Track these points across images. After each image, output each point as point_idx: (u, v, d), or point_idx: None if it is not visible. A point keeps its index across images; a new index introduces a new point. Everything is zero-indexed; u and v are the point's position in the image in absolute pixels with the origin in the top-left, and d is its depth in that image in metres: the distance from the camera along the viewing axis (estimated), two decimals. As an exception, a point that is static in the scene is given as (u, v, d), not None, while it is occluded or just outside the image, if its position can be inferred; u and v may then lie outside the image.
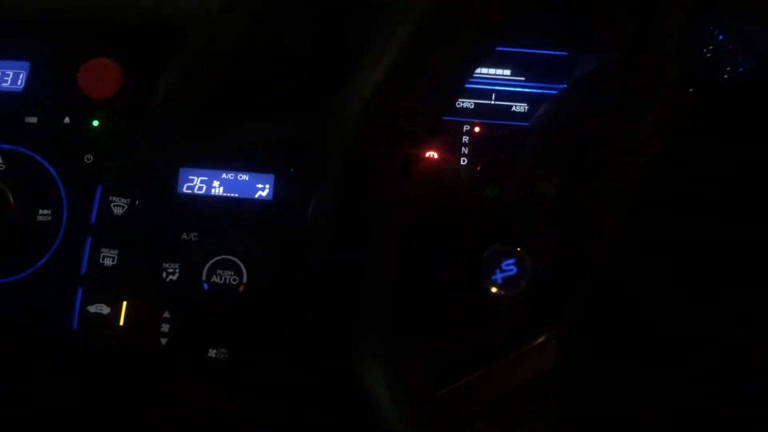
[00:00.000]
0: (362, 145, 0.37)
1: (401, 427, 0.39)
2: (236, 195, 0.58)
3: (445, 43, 0.35)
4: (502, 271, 0.40)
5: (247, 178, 0.58)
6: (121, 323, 0.55)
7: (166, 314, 0.56)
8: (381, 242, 0.39)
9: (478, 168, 0.54)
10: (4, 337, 0.56)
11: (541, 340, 0.40)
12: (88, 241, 0.56)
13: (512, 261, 0.41)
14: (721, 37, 0.62)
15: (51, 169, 0.58)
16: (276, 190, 0.58)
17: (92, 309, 0.55)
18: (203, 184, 0.58)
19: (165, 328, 0.55)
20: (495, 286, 0.41)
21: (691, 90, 0.57)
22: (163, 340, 0.55)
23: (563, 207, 0.41)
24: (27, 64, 0.59)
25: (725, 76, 0.60)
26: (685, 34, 0.48)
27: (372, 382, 0.41)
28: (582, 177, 0.42)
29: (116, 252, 0.56)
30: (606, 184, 0.41)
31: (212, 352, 0.55)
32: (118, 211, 0.56)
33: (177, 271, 0.56)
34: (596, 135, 0.43)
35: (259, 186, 0.58)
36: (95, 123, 0.58)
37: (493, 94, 0.65)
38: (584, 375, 0.47)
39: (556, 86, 0.65)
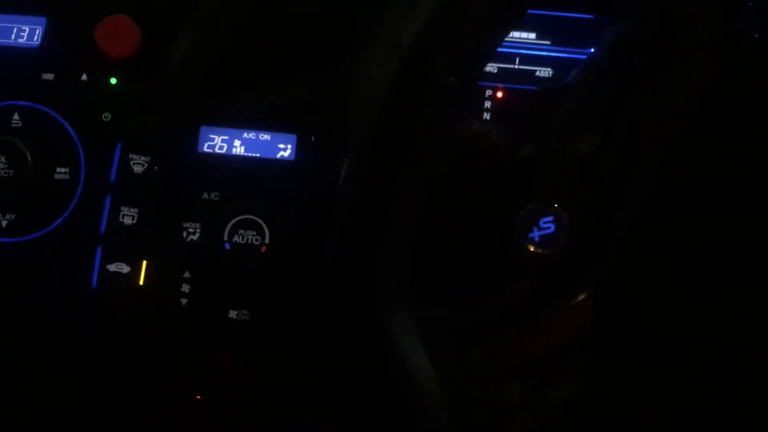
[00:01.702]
0: (398, 94, 0.36)
1: (434, 389, 0.39)
2: (258, 155, 0.57)
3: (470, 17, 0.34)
4: (540, 229, 0.40)
5: (269, 138, 0.57)
6: (141, 283, 0.54)
7: (187, 274, 0.55)
8: (415, 196, 0.39)
9: (510, 128, 0.53)
10: (23, 296, 0.55)
11: (576, 300, 0.39)
12: (108, 199, 0.55)
13: (550, 219, 0.40)
14: (751, 3, 0.61)
15: (68, 126, 0.57)
16: (299, 150, 0.57)
17: (112, 268, 0.54)
18: (224, 143, 0.57)
19: (185, 288, 0.55)
20: (532, 245, 0.40)
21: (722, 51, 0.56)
22: (184, 301, 0.55)
23: (601, 163, 0.40)
24: (43, 20, 0.58)
25: (757, 40, 0.59)
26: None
27: (403, 346, 0.40)
28: (620, 133, 0.41)
29: (136, 211, 0.55)
30: (645, 140, 0.40)
31: (233, 314, 0.55)
32: (138, 169, 0.55)
33: (198, 230, 0.55)
34: (634, 92, 0.42)
35: (281, 146, 0.57)
36: (113, 80, 0.57)
37: (517, 58, 0.64)
38: (622, 332, 0.46)
39: (581, 50, 0.63)
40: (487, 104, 0.64)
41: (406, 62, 0.35)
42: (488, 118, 0.63)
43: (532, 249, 0.40)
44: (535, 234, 0.40)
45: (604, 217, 0.40)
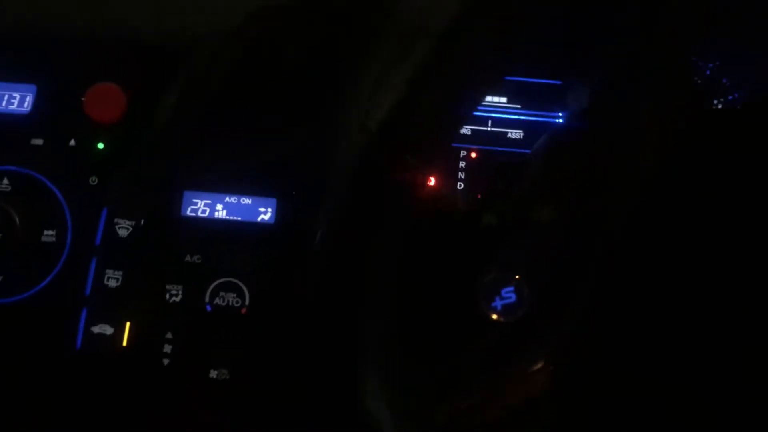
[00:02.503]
0: (365, 173, 0.38)
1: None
2: (239, 218, 0.59)
3: (450, 80, 0.36)
4: (502, 298, 0.42)
5: (249, 202, 0.59)
6: (124, 344, 0.56)
7: (169, 335, 0.56)
8: (382, 266, 0.41)
9: (478, 196, 0.55)
10: (9, 356, 0.57)
11: (537, 366, 0.41)
12: (93, 262, 0.57)
13: (511, 289, 0.42)
14: (711, 67, 0.64)
15: (56, 190, 0.58)
16: (278, 213, 0.59)
17: (96, 329, 0.56)
18: (207, 207, 0.59)
19: (167, 348, 0.56)
20: (495, 313, 0.42)
21: (681, 120, 0.59)
22: (166, 361, 0.56)
23: (559, 234, 0.43)
24: (34, 87, 0.60)
25: (715, 106, 0.62)
26: (676, 62, 0.50)
27: (373, 403, 0.42)
28: (578, 205, 0.43)
29: (120, 273, 0.57)
30: (601, 211, 0.42)
31: (214, 373, 0.56)
32: (122, 233, 0.57)
33: (180, 292, 0.57)
34: (591, 164, 0.44)
35: (262, 209, 0.59)
36: (100, 146, 0.59)
37: (490, 121, 0.67)
38: (583, 395, 0.48)
39: (550, 114, 0.66)
40: (462, 164, 0.66)
41: (372, 145, 0.37)
42: (463, 177, 0.66)
43: (494, 317, 0.42)
44: (498, 303, 0.42)
45: (565, 285, 0.42)
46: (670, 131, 0.50)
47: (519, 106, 0.67)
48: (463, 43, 0.37)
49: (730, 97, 0.63)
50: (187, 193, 0.59)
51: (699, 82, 0.63)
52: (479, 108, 0.67)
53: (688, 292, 0.54)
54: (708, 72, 0.63)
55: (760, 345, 0.54)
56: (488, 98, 0.67)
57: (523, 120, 0.67)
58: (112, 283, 0.57)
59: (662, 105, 0.49)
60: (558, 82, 0.66)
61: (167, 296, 0.57)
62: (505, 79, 0.67)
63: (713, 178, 0.60)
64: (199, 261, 0.57)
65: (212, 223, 0.59)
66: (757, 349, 0.54)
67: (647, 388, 0.54)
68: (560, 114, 0.66)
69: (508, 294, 0.41)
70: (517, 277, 0.42)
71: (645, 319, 0.54)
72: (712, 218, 0.58)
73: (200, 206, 0.59)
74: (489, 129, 0.67)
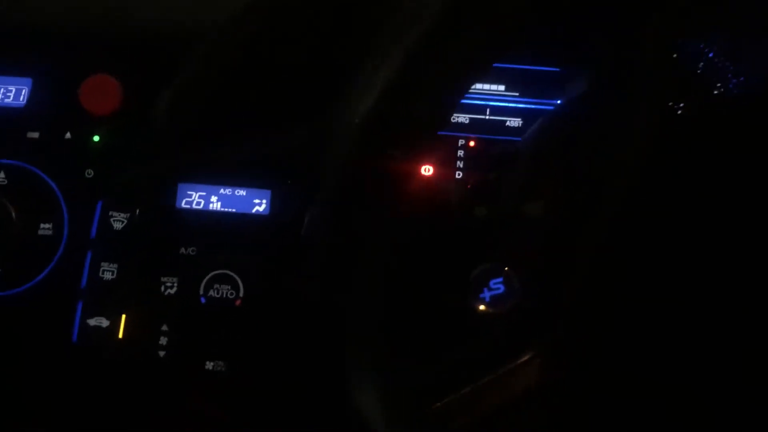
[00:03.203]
0: (354, 166, 0.38)
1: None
2: (234, 210, 0.59)
3: (434, 70, 0.36)
4: (490, 289, 0.41)
5: (244, 194, 0.59)
6: (120, 336, 0.56)
7: (165, 327, 0.57)
8: (372, 258, 0.40)
9: (468, 186, 0.55)
10: (5, 349, 0.57)
11: (525, 357, 0.41)
12: (89, 255, 0.57)
13: (500, 280, 0.41)
14: (711, 54, 0.63)
15: (52, 183, 0.59)
16: (273, 205, 0.59)
17: (92, 322, 0.56)
18: (201, 199, 0.59)
19: (163, 341, 0.56)
20: (483, 304, 0.42)
21: (680, 107, 0.58)
22: (161, 353, 0.56)
23: (549, 227, 0.42)
24: (29, 80, 0.60)
25: (715, 93, 0.61)
26: (665, 51, 0.49)
27: (362, 396, 0.42)
28: (568, 197, 0.43)
29: (116, 266, 0.57)
30: (591, 203, 0.42)
31: (210, 365, 0.56)
32: (117, 225, 0.57)
33: (175, 284, 0.57)
34: (583, 155, 0.44)
35: (257, 201, 0.59)
36: (96, 138, 0.59)
37: (488, 110, 0.66)
38: (575, 389, 0.48)
39: (549, 101, 0.66)
40: (460, 153, 0.66)
41: (358, 139, 0.37)
42: (461, 166, 0.65)
43: (482, 308, 0.42)
44: (486, 294, 0.41)
45: (554, 277, 0.41)
46: (661, 122, 0.49)
47: (517, 94, 0.66)
48: (450, 32, 0.37)
49: (731, 83, 0.62)
50: (181, 185, 0.59)
51: (700, 66, 0.62)
52: (477, 96, 0.66)
53: (688, 291, 0.54)
54: (711, 54, 0.62)
55: (760, 345, 0.53)
56: (486, 86, 0.66)
57: (522, 108, 0.66)
58: (108, 276, 0.57)
59: (652, 101, 0.48)
60: (556, 69, 0.66)
61: (162, 288, 0.57)
62: (502, 66, 0.66)
63: (713, 176, 0.59)
64: (194, 253, 0.57)
65: (207, 214, 0.58)
66: (757, 349, 0.53)
67: (647, 388, 0.53)
68: (559, 102, 0.65)
69: (497, 285, 0.41)
70: (506, 268, 0.41)
71: (644, 318, 0.54)
72: (712, 216, 0.57)
73: (195, 198, 0.59)
74: (487, 117, 0.66)
